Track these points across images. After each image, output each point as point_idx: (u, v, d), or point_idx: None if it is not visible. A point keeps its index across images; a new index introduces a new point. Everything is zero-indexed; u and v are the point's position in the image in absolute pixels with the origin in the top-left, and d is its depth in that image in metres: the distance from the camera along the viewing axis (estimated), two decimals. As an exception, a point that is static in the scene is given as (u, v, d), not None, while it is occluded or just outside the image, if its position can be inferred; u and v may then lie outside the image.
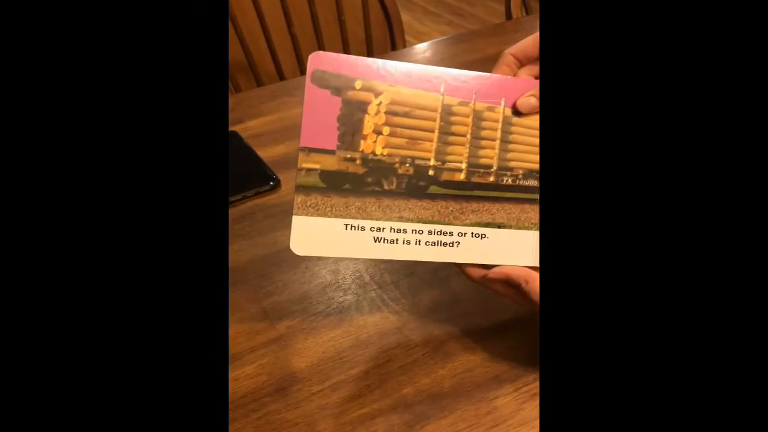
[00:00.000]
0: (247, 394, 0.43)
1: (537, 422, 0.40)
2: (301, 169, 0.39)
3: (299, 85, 0.86)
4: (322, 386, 0.43)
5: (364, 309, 0.49)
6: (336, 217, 0.40)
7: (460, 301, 0.49)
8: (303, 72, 1.06)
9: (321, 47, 1.05)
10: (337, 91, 0.39)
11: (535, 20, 1.00)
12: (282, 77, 1.03)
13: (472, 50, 0.91)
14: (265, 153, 0.67)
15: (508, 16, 1.06)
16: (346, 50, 1.06)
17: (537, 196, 0.42)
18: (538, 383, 0.42)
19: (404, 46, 1.07)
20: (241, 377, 0.44)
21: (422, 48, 0.95)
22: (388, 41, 1.08)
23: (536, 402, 0.41)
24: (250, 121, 0.74)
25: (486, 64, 0.87)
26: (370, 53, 1.08)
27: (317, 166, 0.39)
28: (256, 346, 0.46)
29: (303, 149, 0.39)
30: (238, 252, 0.55)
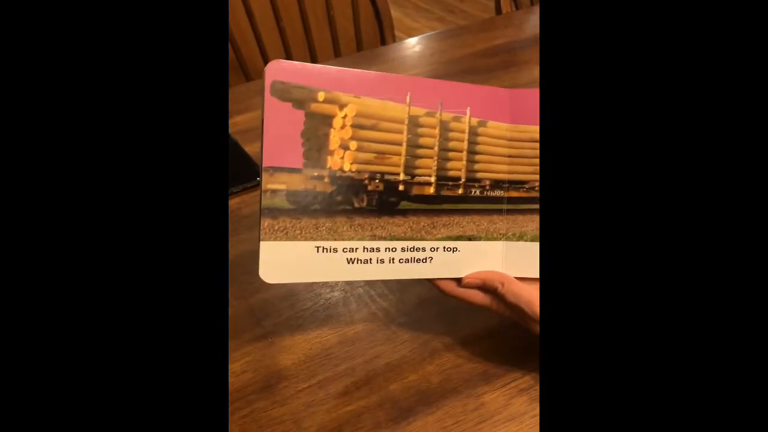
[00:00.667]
0: (233, 392, 0.42)
1: (525, 418, 0.40)
2: (265, 191, 0.37)
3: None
4: (309, 383, 0.42)
5: (351, 305, 0.48)
6: (306, 240, 0.38)
7: (448, 297, 0.48)
8: (292, 68, 1.05)
9: (310, 43, 1.04)
10: (299, 103, 0.37)
11: (525, 15, 1.00)
12: (271, 73, 1.02)
13: (462, 45, 0.91)
14: (252, 148, 0.66)
15: (498, 10, 1.06)
16: (336, 45, 1.06)
17: (504, 207, 0.42)
18: (525, 379, 0.42)
19: (393, 41, 1.06)
20: (226, 375, 0.43)
21: (412, 43, 0.95)
22: (378, 37, 1.08)
23: (524, 398, 0.41)
24: (238, 117, 0.73)
25: (476, 59, 0.87)
26: (359, 48, 1.07)
27: (283, 187, 0.37)
28: (242, 343, 0.46)
29: (266, 169, 0.37)
30: (225, 248, 0.54)
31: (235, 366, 0.44)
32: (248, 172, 0.63)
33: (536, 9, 1.02)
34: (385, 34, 1.07)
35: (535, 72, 0.81)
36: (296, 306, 0.48)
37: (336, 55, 1.07)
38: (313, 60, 1.05)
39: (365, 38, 1.07)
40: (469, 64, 0.85)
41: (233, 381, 0.43)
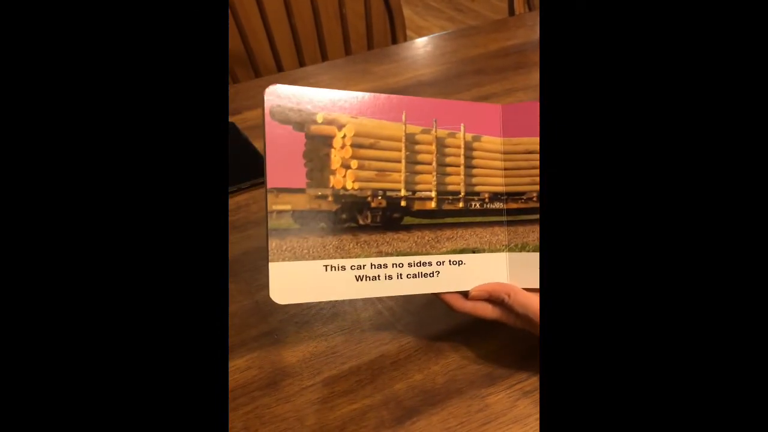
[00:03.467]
0: (237, 388, 0.42)
1: (529, 420, 0.39)
2: (271, 212, 0.37)
3: (299, 77, 0.85)
4: (314, 381, 0.42)
5: (357, 304, 0.48)
6: (314, 259, 0.38)
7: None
8: (303, 64, 1.05)
9: (321, 40, 1.04)
10: (299, 126, 0.38)
11: (538, 16, 1.00)
12: (281, 70, 1.03)
13: (474, 45, 0.90)
14: (263, 144, 0.66)
15: (511, 11, 1.05)
16: (347, 43, 1.06)
17: (503, 218, 0.43)
18: (530, 381, 0.42)
19: (405, 40, 1.06)
20: (231, 370, 0.43)
21: (423, 42, 0.95)
22: (389, 35, 1.08)
23: (529, 400, 0.41)
24: (248, 112, 0.73)
25: (487, 59, 0.87)
26: (370, 46, 1.07)
27: (288, 207, 0.38)
28: (247, 339, 0.46)
29: (271, 190, 0.37)
30: (232, 244, 0.54)
31: (239, 362, 0.44)
32: (258, 168, 0.63)
33: (549, 10, 1.02)
34: (396, 33, 1.07)
35: (547, 73, 0.80)
36: (303, 303, 0.48)
37: (347, 53, 1.07)
38: (324, 57, 1.05)
39: (376, 36, 1.07)
40: (480, 64, 0.85)
41: (238, 377, 0.43)
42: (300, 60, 1.05)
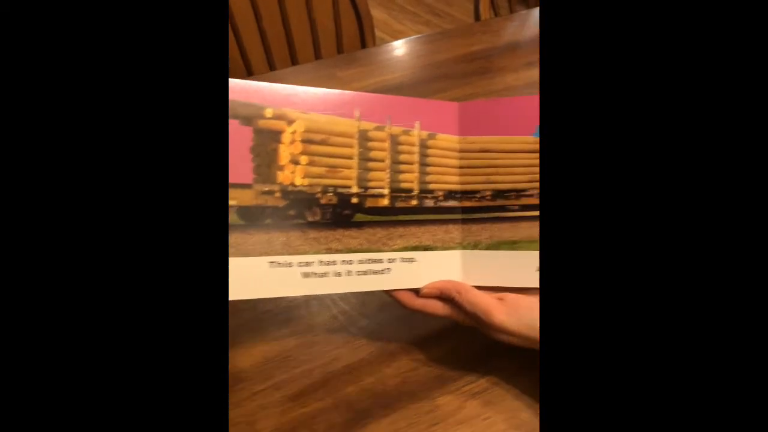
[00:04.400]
0: (189, 393, 0.42)
1: (476, 421, 0.40)
2: None
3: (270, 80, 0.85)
4: (265, 385, 0.43)
5: (312, 308, 0.49)
6: (259, 255, 0.38)
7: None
8: (273, 68, 1.05)
9: (291, 44, 1.04)
10: (246, 120, 0.38)
11: (503, 22, 1.01)
12: (251, 73, 1.03)
13: (440, 50, 0.91)
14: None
15: (477, 17, 1.07)
16: (317, 48, 1.06)
17: (458, 216, 0.43)
18: (479, 383, 0.42)
19: (374, 44, 1.07)
20: (184, 375, 0.43)
21: (391, 47, 0.95)
22: (359, 39, 1.08)
23: (476, 401, 0.41)
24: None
25: (453, 64, 0.87)
26: (340, 50, 1.07)
27: (233, 202, 0.38)
28: (201, 344, 0.46)
29: None
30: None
31: (193, 367, 0.44)
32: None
33: (514, 17, 1.03)
34: (365, 36, 1.08)
35: (509, 79, 0.81)
36: (257, 308, 0.48)
37: (317, 57, 1.07)
38: (294, 62, 1.06)
39: (346, 40, 1.07)
40: (446, 69, 0.86)
41: (190, 382, 0.43)
42: (270, 64, 1.05)
